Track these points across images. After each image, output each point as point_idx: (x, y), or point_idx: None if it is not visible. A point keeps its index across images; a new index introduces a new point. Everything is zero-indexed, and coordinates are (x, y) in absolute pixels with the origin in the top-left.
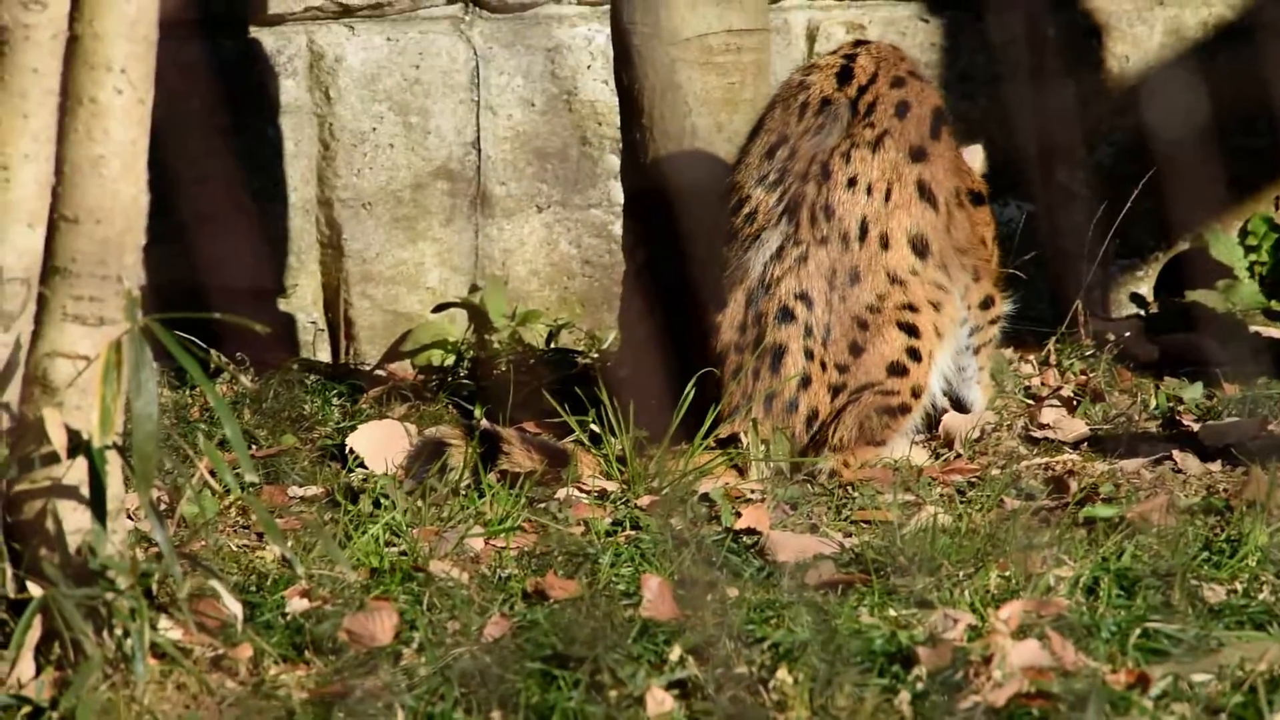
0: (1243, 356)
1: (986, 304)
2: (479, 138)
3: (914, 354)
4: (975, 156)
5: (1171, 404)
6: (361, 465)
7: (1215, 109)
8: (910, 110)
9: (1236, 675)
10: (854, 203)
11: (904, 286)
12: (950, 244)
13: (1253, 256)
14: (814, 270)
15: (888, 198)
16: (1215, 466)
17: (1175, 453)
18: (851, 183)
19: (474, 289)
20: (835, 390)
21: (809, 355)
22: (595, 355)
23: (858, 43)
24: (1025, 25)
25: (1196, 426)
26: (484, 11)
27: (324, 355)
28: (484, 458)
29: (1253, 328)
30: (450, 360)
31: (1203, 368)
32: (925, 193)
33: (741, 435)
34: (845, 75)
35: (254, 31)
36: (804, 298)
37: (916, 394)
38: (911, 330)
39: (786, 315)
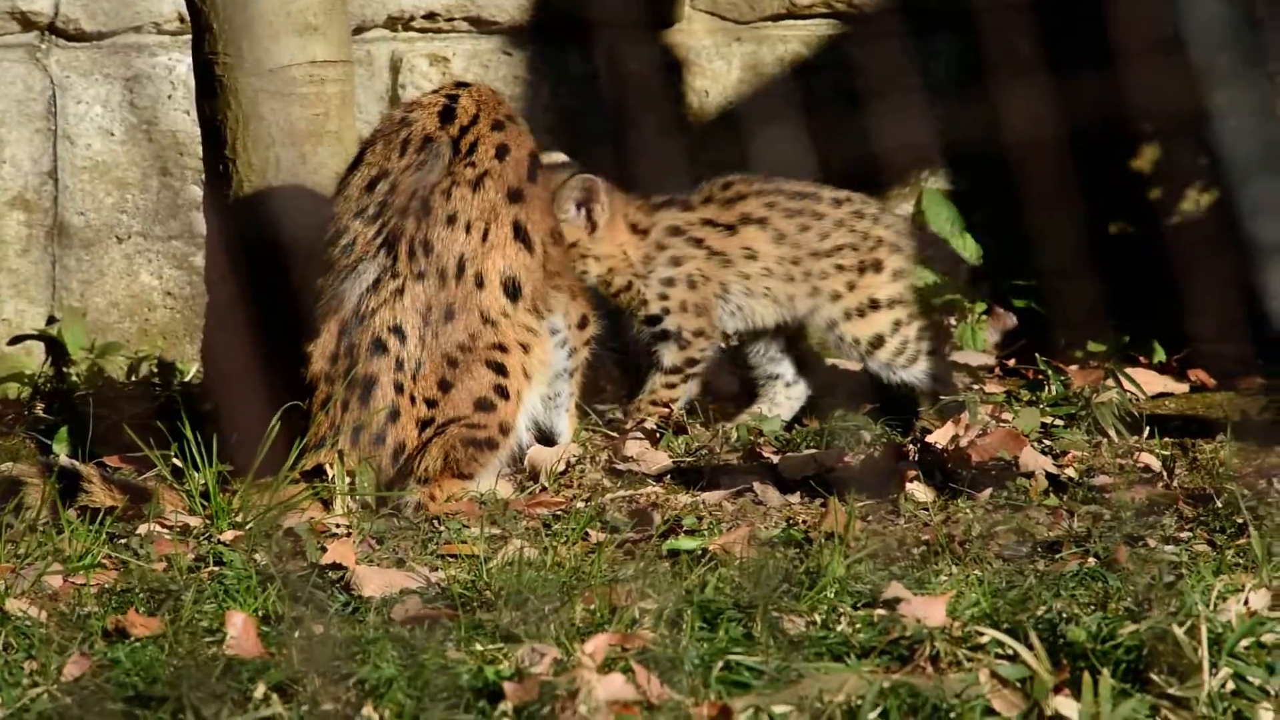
0: (821, 389)
1: (583, 323)
2: (56, 167)
3: (502, 391)
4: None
5: (752, 436)
6: None
7: (795, 143)
8: (510, 153)
9: (816, 707)
10: (453, 239)
11: (495, 327)
12: (545, 282)
13: None
14: (410, 305)
15: (485, 237)
16: (795, 498)
17: (756, 485)
18: (451, 220)
19: (51, 321)
20: (423, 424)
21: (399, 389)
22: (178, 388)
23: (459, 84)
24: (607, 59)
25: (776, 459)
26: (61, 40)
27: None
28: (63, 494)
29: (828, 360)
30: (27, 394)
31: None
32: (521, 234)
33: (327, 467)
34: (448, 115)
35: None
36: (398, 331)
37: (504, 431)
38: (500, 369)
39: (379, 347)
